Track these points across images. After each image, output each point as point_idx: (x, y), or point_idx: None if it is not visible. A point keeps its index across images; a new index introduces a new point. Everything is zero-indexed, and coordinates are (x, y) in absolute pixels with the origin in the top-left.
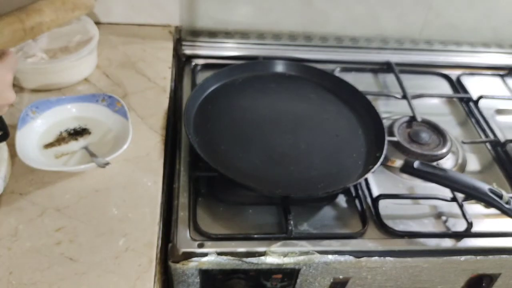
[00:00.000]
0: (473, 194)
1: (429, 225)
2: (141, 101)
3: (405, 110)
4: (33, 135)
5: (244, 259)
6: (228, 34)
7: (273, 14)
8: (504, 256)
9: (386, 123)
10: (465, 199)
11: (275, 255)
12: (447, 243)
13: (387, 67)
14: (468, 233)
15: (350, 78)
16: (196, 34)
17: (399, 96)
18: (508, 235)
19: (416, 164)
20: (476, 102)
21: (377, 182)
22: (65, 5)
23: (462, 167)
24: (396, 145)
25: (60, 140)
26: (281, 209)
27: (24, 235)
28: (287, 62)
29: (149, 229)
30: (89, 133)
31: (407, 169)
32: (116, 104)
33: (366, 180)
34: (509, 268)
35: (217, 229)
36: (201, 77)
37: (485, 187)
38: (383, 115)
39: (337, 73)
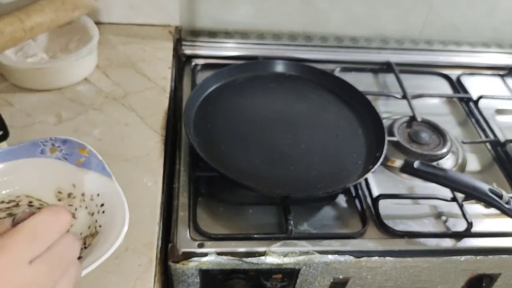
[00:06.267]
0: (473, 194)
1: (429, 225)
2: (141, 101)
3: (405, 110)
4: None
5: (244, 259)
6: (228, 34)
7: (273, 14)
8: (504, 256)
9: (386, 123)
10: (465, 199)
11: (275, 255)
12: (447, 243)
13: (387, 67)
14: (468, 233)
15: (350, 78)
16: (196, 34)
17: (399, 96)
18: (508, 235)
19: (416, 164)
20: (476, 102)
21: (377, 182)
22: (65, 5)
23: (462, 167)
24: (396, 145)
25: None
26: (281, 209)
27: None
28: (287, 62)
29: (149, 229)
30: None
31: (407, 169)
32: (80, 153)
33: (366, 180)
34: (509, 268)
35: (217, 229)
36: (201, 77)
37: (485, 187)
38: (383, 115)
39: (337, 73)
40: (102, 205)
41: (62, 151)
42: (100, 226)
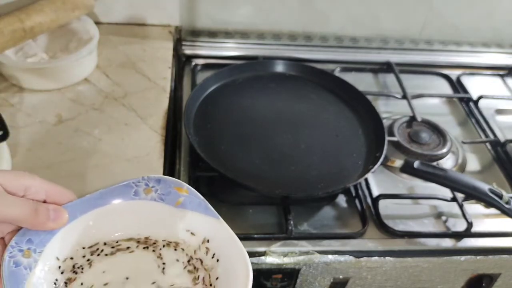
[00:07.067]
0: (473, 194)
1: (429, 225)
2: (141, 101)
3: (405, 110)
4: None
5: None
6: (228, 34)
7: (273, 14)
8: (504, 256)
9: (386, 123)
10: (465, 199)
11: (275, 255)
12: (447, 243)
13: (387, 67)
14: (468, 233)
15: (350, 78)
16: (196, 34)
17: (399, 96)
18: (508, 235)
19: (416, 164)
20: (476, 102)
21: (377, 182)
22: (65, 5)
23: (462, 167)
24: (396, 145)
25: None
26: (281, 209)
27: None
28: (287, 62)
29: None
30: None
31: (407, 169)
32: (177, 192)
33: (366, 180)
34: (509, 268)
35: None
36: (201, 77)
37: (485, 187)
38: (383, 115)
39: (337, 73)
40: (214, 254)
41: (158, 192)
42: (217, 279)
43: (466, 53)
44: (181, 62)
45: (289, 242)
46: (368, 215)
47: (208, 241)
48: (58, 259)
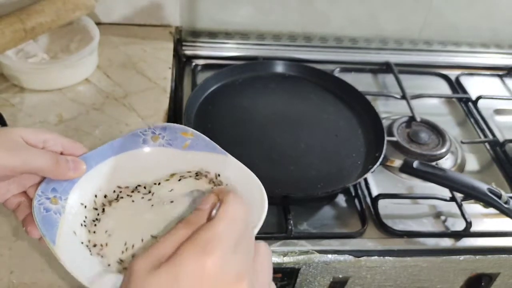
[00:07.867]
0: (472, 194)
1: (428, 225)
2: (141, 101)
3: (404, 110)
4: (73, 239)
5: None
6: (228, 35)
7: (273, 14)
8: (503, 255)
9: (385, 123)
10: (464, 199)
11: (275, 255)
12: (446, 242)
13: (386, 68)
14: (467, 232)
15: (350, 78)
16: (196, 34)
17: (398, 96)
18: (507, 234)
19: (415, 164)
20: (475, 102)
21: (376, 182)
22: (66, 6)
23: (461, 167)
24: (395, 145)
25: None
26: (281, 209)
27: (25, 235)
28: (287, 62)
29: None
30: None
31: (406, 169)
32: (183, 136)
33: (365, 180)
34: (508, 268)
35: None
36: (201, 77)
37: (484, 187)
38: (382, 115)
39: (337, 73)
40: (226, 184)
41: (165, 138)
42: None
43: (465, 53)
44: (182, 62)
45: (289, 241)
46: (367, 214)
47: (219, 175)
48: (82, 204)
